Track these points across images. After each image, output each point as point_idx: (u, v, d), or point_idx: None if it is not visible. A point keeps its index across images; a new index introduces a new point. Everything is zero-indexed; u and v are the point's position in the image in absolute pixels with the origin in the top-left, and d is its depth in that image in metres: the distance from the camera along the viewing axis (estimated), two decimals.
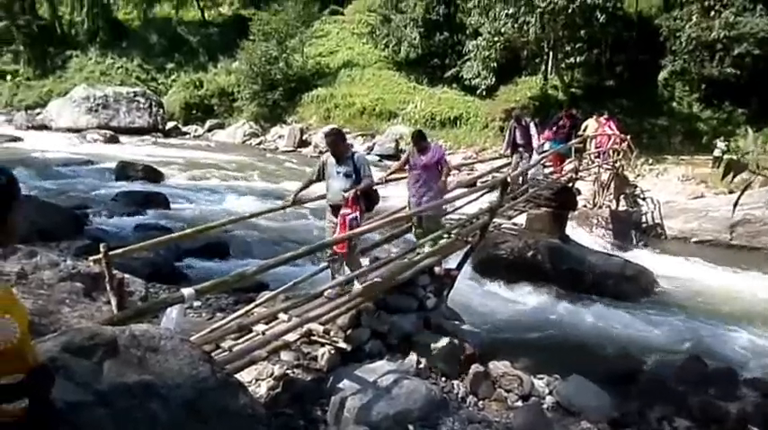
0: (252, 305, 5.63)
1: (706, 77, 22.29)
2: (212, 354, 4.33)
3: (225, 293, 7.51)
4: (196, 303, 6.87)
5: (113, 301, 3.56)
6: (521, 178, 9.77)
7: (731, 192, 16.10)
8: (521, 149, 10.20)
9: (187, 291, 3.40)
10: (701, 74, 22.28)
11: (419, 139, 6.82)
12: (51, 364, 2.08)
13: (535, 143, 10.07)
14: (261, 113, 30.68)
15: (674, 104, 23.50)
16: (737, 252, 13.60)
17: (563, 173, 12.00)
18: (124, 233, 10.35)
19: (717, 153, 18.57)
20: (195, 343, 3.46)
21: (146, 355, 2.58)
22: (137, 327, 2.75)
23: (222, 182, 17.50)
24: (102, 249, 3.68)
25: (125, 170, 16.40)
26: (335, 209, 5.67)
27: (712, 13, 21.15)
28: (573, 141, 12.13)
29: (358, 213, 5.49)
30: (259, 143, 28.72)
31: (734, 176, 1.45)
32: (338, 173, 5.67)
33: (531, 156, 10.02)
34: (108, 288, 3.64)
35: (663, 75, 23.27)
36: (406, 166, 6.96)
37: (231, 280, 3.89)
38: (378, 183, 7.70)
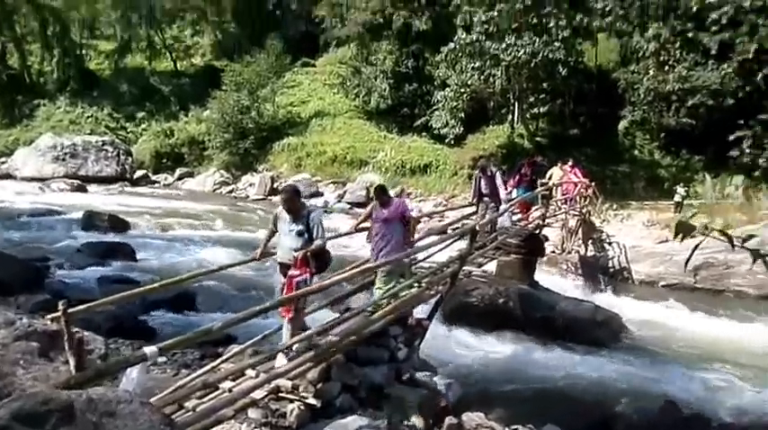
0: (218, 361, 5.45)
1: (664, 127, 23.30)
2: (176, 415, 4.17)
3: (191, 348, 7.27)
4: (160, 359, 6.63)
5: (72, 362, 3.41)
6: (489, 226, 9.84)
7: (693, 236, 16.59)
8: (486, 199, 10.21)
9: (149, 350, 3.28)
10: (660, 123, 23.30)
11: (380, 193, 6.79)
12: None
13: (502, 193, 10.13)
14: (232, 162, 30.71)
15: (636, 152, 24.41)
16: (703, 295, 13.87)
17: (530, 219, 12.21)
18: (87, 286, 10.03)
19: (677, 198, 19.28)
20: (157, 404, 3.32)
21: (102, 421, 2.46)
22: (94, 391, 2.63)
23: (191, 231, 17.25)
24: (60, 306, 3.55)
25: (91, 220, 16.07)
26: (285, 267, 5.48)
27: (667, 67, 22.33)
28: (539, 189, 12.41)
29: (307, 275, 5.27)
30: (230, 191, 28.60)
31: (683, 238, 1.49)
32: (290, 230, 5.50)
33: (497, 206, 10.05)
34: (66, 347, 3.49)
35: (623, 124, 24.24)
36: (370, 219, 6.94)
37: (196, 336, 3.78)
38: (347, 233, 7.65)
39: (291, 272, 5.27)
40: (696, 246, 1.88)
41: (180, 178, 31.36)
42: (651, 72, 22.71)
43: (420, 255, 7.51)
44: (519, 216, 12.20)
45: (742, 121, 21.10)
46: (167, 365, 6.84)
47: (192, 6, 39.50)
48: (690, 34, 22.40)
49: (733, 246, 1.51)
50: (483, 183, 10.20)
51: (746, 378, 8.65)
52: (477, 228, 7.58)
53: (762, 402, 7.64)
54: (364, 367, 5.93)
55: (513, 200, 10.99)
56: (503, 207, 10.08)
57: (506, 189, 10.50)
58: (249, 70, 31.74)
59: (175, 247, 14.63)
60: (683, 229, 1.49)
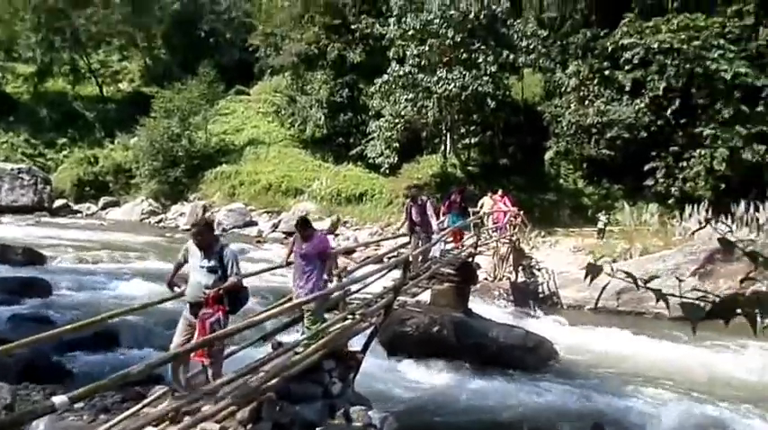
0: (140, 405, 5.15)
1: (586, 157, 24.62)
2: None
3: (111, 390, 6.82)
4: (77, 404, 6.17)
5: None
6: (422, 256, 9.93)
7: (614, 261, 17.49)
8: (417, 229, 10.19)
9: (58, 400, 3.04)
10: (582, 154, 24.60)
11: (302, 227, 6.54)
12: None
13: (434, 223, 10.21)
14: (161, 190, 29.66)
15: (561, 181, 25.60)
16: (625, 317, 14.54)
17: (463, 247, 12.46)
18: None
19: (600, 225, 20.31)
20: None
21: None
22: None
23: (116, 264, 16.39)
24: None
25: (3, 253, 14.97)
26: (194, 307, 5.10)
27: (586, 102, 23.73)
28: (471, 218, 12.72)
29: (221, 314, 4.91)
30: (159, 221, 27.55)
31: (591, 280, 1.56)
32: (202, 266, 5.14)
33: (429, 236, 10.09)
34: None
35: (549, 155, 25.43)
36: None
37: (111, 383, 3.54)
38: (278, 266, 7.42)
39: (203, 311, 4.91)
40: (604, 287, 1.97)
41: (104, 208, 29.93)
42: (573, 106, 24.04)
43: (354, 287, 7.45)
44: (452, 245, 12.42)
45: (655, 153, 22.65)
46: (84, 411, 6.36)
47: (119, 31, 38.29)
48: (606, 72, 23.98)
49: (638, 286, 1.59)
50: (414, 212, 10.19)
51: (665, 397, 9.08)
52: (411, 258, 7.63)
53: (674, 420, 8.01)
54: (297, 404, 5.76)
55: (445, 229, 11.16)
56: (435, 237, 10.14)
57: (438, 218, 10.66)
58: (180, 97, 31.01)
59: (97, 282, 13.81)
60: (592, 271, 1.57)
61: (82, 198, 30.77)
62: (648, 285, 1.58)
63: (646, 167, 22.73)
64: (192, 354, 4.78)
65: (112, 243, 19.67)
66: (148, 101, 32.13)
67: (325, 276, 6.50)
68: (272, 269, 7.92)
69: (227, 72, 35.21)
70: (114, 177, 31.58)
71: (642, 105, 22.81)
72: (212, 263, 5.11)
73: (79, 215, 28.81)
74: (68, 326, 4.67)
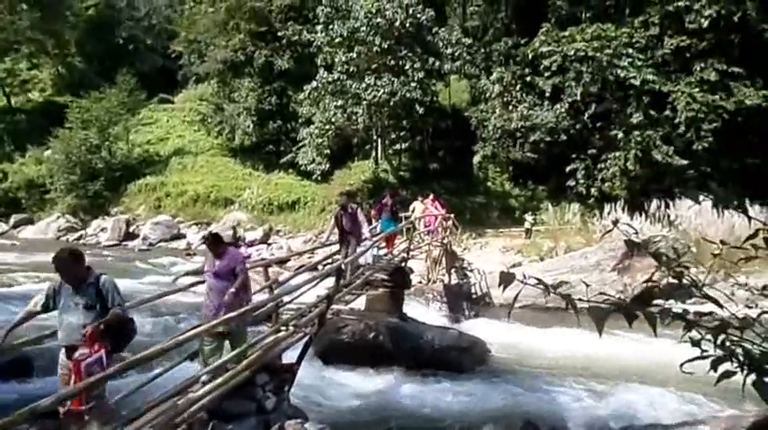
0: None
1: (512, 160, 25.56)
2: None
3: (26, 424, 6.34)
4: None
5: None
6: (353, 264, 9.87)
7: (542, 259, 18.19)
8: (348, 237, 10.04)
9: None
10: (508, 157, 25.53)
11: (213, 243, 6.18)
12: None
13: (365, 230, 10.22)
14: (80, 205, 28.07)
15: (489, 184, 26.43)
16: (554, 313, 15.10)
17: (395, 252, 12.58)
18: None
19: (527, 225, 21.09)
20: None
21: None
22: None
23: (30, 286, 15.31)
24: None
25: None
26: (71, 351, 4.38)
27: (510, 107, 24.65)
28: (403, 223, 12.83)
29: (103, 353, 4.24)
30: (78, 238, 26.04)
31: (505, 287, 1.60)
32: (76, 304, 4.42)
33: (359, 243, 10.04)
34: None
35: (477, 158, 26.20)
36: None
37: (19, 418, 3.29)
38: (184, 288, 6.94)
39: (79, 352, 4.24)
40: (517, 295, 2.05)
41: (15, 226, 27.95)
42: (497, 111, 24.91)
43: (286, 298, 7.33)
44: (384, 250, 12.47)
45: (575, 155, 23.84)
46: None
47: (28, 38, 35.90)
48: (528, 78, 25.06)
49: (548, 292, 1.65)
50: (345, 220, 10.07)
51: (596, 387, 9.48)
52: (343, 266, 7.60)
53: (605, 410, 8.40)
54: (229, 423, 5.58)
55: (377, 235, 11.22)
56: (366, 243, 10.16)
57: (370, 224, 10.67)
58: (98, 106, 29.55)
59: (11, 305, 12.83)
60: (505, 279, 1.61)
61: None
62: (559, 290, 1.63)
63: (567, 169, 23.91)
64: (69, 403, 4.11)
65: (27, 264, 18.38)
66: (62, 111, 30.39)
67: (232, 290, 5.91)
68: (176, 292, 7.24)
69: (148, 80, 33.91)
70: (26, 193, 29.57)
71: (562, 110, 23.97)
72: (87, 298, 4.42)
73: None
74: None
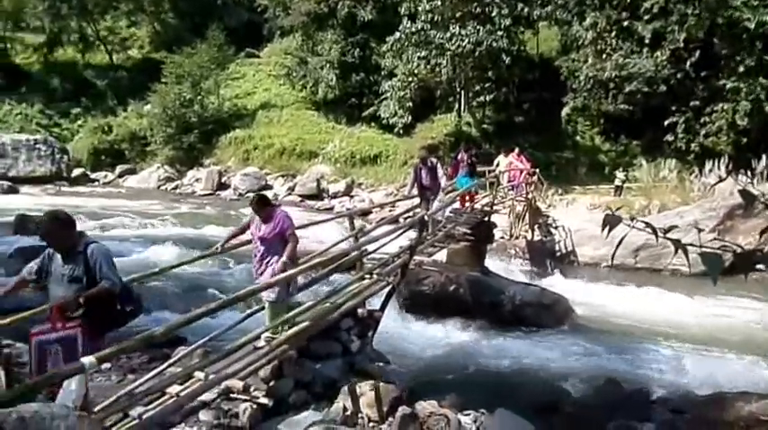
0: (165, 364, 5.28)
1: (604, 113, 24.11)
2: (120, 425, 4.02)
3: (137, 351, 7.02)
4: (105, 365, 6.37)
5: (1, 377, 3.22)
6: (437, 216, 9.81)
7: (633, 218, 17.30)
8: (427, 193, 9.78)
9: (87, 361, 3.13)
10: (600, 110, 24.08)
11: (259, 206, 5.65)
12: None
13: (443, 183, 9.88)
14: (176, 157, 29.80)
15: (578, 138, 25.20)
16: (642, 274, 14.51)
17: (472, 209, 12.14)
18: (23, 294, 9.49)
19: (617, 182, 20.03)
20: (98, 416, 3.19)
21: None
22: (25, 408, 2.49)
23: (135, 230, 16.66)
24: None
25: (24, 223, 15.19)
26: None
27: (604, 55, 23.05)
28: (488, 176, 12.59)
29: (76, 333, 3.63)
30: (175, 187, 27.79)
31: (609, 230, 1.53)
32: (62, 275, 3.90)
33: (436, 198, 9.69)
34: None
35: (566, 111, 24.94)
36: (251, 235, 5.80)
37: (136, 343, 3.64)
38: (213, 253, 6.34)
39: (38, 328, 3.66)
40: (623, 238, 1.94)
41: (121, 175, 30.22)
42: (590, 60, 23.40)
43: (370, 247, 7.50)
44: (458, 204, 12.09)
45: (674, 107, 22.08)
46: (112, 371, 6.58)
47: None
48: (625, 23, 23.18)
49: (657, 236, 1.56)
50: (424, 174, 9.81)
51: (682, 352, 9.11)
52: (426, 217, 7.62)
53: (695, 375, 8.06)
54: (317, 362, 5.90)
55: (452, 192, 10.91)
56: (442, 197, 9.82)
57: (446, 181, 10.33)
58: (191, 62, 30.77)
59: (119, 248, 14.01)
60: (610, 221, 1.53)
61: (99, 166, 31.06)
62: (668, 235, 1.54)
63: (665, 122, 22.21)
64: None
65: (131, 210, 19.92)
66: (159, 67, 31.93)
67: (284, 258, 5.48)
68: (206, 256, 6.85)
69: (236, 35, 34.73)
70: (130, 145, 31.74)
71: (662, 58, 22.10)
72: (73, 269, 3.90)
73: (97, 184, 29.15)
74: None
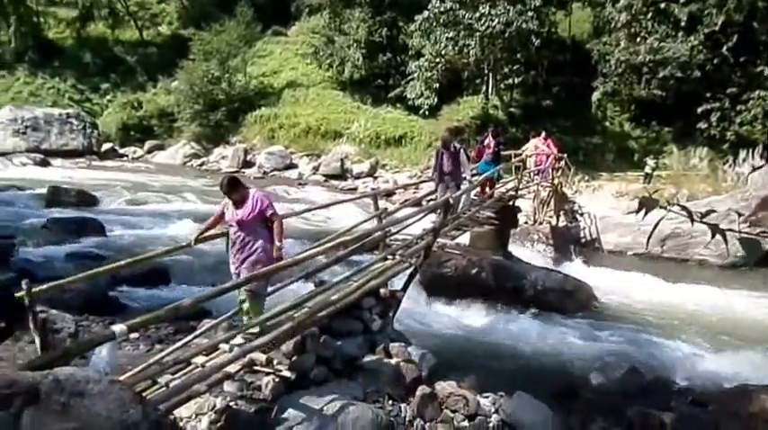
0: (191, 336, 5.44)
1: (635, 98, 23.54)
2: (149, 391, 4.15)
3: (164, 323, 7.22)
4: (133, 335, 6.57)
5: (37, 342, 3.34)
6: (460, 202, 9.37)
7: (662, 207, 17.00)
8: (446, 178, 9.29)
9: (118, 328, 3.24)
10: (631, 95, 23.52)
11: (230, 188, 5.17)
12: None
13: (467, 172, 9.32)
14: (203, 134, 30.09)
15: (607, 124, 24.69)
16: (668, 264, 14.30)
17: (490, 196, 11.35)
18: (54, 263, 9.81)
19: (647, 170, 19.63)
20: (128, 382, 3.30)
21: (70, 402, 2.43)
22: (61, 371, 2.59)
23: (162, 205, 16.94)
24: (24, 285, 3.46)
25: (56, 195, 15.62)
26: None
27: (638, 39, 22.42)
28: (514, 160, 12.42)
29: None
30: (201, 164, 28.11)
31: (646, 213, 1.51)
32: None
33: (458, 185, 9.18)
34: (32, 327, 3.42)
35: (596, 95, 24.41)
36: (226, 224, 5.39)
37: (165, 314, 3.74)
38: (183, 246, 5.82)
39: None
40: (659, 221, 1.91)
41: (149, 151, 30.65)
42: (623, 43, 22.80)
43: (394, 228, 7.51)
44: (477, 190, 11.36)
45: (709, 94, 21.42)
46: (140, 341, 6.79)
47: None
48: (661, 5, 22.47)
49: (692, 220, 1.53)
50: (445, 159, 9.30)
51: (705, 343, 9.01)
52: (452, 200, 7.59)
53: (719, 367, 7.95)
54: (339, 339, 5.98)
55: (474, 180, 10.04)
56: (465, 186, 9.21)
57: (469, 168, 9.60)
58: (219, 39, 30.87)
59: (146, 222, 14.36)
60: (647, 204, 1.50)
61: (127, 142, 31.55)
62: (705, 220, 1.51)
63: (699, 109, 21.58)
64: None
65: (159, 185, 20.26)
66: (187, 43, 32.12)
67: (277, 243, 5.18)
68: (174, 251, 6.17)
69: (263, 12, 34.67)
70: (158, 121, 32.12)
71: (697, 42, 21.43)
72: None
73: (125, 158, 29.66)
74: (123, 262, 4.90)
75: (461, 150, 9.45)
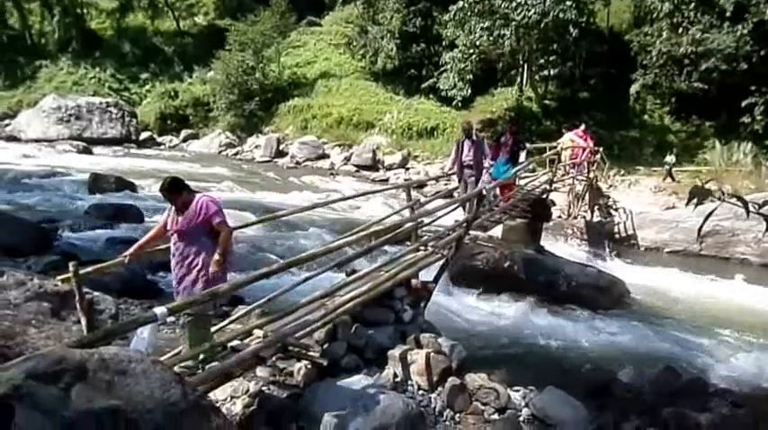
0: (227, 321, 5.55)
1: (676, 91, 22.85)
2: (186, 373, 4.26)
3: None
4: (170, 319, 6.74)
5: (83, 322, 3.47)
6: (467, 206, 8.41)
7: (701, 202, 16.52)
8: (467, 171, 8.78)
9: (159, 310, 3.33)
10: (672, 87, 22.83)
11: (171, 190, 4.45)
12: (15, 393, 2.01)
13: (486, 164, 8.92)
14: (237, 123, 30.54)
15: (646, 117, 24.05)
16: (707, 262, 13.91)
17: (509, 201, 10.20)
18: (96, 247, 10.11)
19: (666, 167, 19.03)
20: (167, 363, 3.39)
21: (115, 379, 2.52)
22: (106, 350, 2.68)
23: (198, 193, 17.25)
24: (71, 268, 3.59)
25: (97, 182, 16.08)
26: None
27: (681, 29, 21.73)
28: (548, 153, 12.21)
29: None
30: (235, 154, 28.54)
31: (698, 203, 1.46)
32: None
33: (478, 178, 8.75)
34: (78, 308, 3.54)
35: (635, 88, 23.79)
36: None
37: (203, 297, 3.83)
38: (119, 262, 4.71)
39: None
40: (710, 213, 1.85)
41: (185, 140, 31.29)
42: (664, 34, 22.14)
43: (426, 219, 7.50)
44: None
45: (755, 87, 20.64)
46: (176, 325, 6.96)
47: None
48: None
49: (748, 211, 1.48)
50: (466, 148, 8.79)
51: (745, 344, 8.74)
52: (485, 191, 7.53)
53: (758, 368, 7.73)
54: (370, 328, 6.02)
55: (493, 181, 9.14)
56: (485, 184, 8.51)
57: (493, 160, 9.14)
58: (254, 29, 31.22)
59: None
60: (698, 194, 1.46)
61: (165, 131, 32.28)
62: (762, 210, 1.46)
63: (743, 103, 20.82)
64: None
65: (195, 174, 20.64)
66: (223, 34, 32.56)
67: (216, 256, 4.37)
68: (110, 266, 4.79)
69: (298, 2, 34.84)
70: (194, 110, 32.75)
71: (744, 32, 20.63)
72: None
73: (162, 147, 30.33)
74: (162, 246, 5.02)
75: (484, 140, 9.09)
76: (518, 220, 10.91)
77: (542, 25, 21.73)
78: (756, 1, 20.52)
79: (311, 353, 5.19)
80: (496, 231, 10.84)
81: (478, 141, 8.92)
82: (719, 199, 1.45)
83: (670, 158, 19.17)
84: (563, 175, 14.02)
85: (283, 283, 6.40)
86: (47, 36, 37.13)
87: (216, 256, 4.33)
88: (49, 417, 2.18)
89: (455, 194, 9.93)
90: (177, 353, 4.66)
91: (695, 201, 1.45)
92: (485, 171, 8.93)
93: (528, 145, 11.06)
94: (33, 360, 2.43)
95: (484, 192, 7.44)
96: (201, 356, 4.40)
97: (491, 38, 23.05)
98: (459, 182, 9.22)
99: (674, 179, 18.92)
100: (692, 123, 23.03)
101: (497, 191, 9.79)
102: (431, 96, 27.70)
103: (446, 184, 16.49)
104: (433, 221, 8.05)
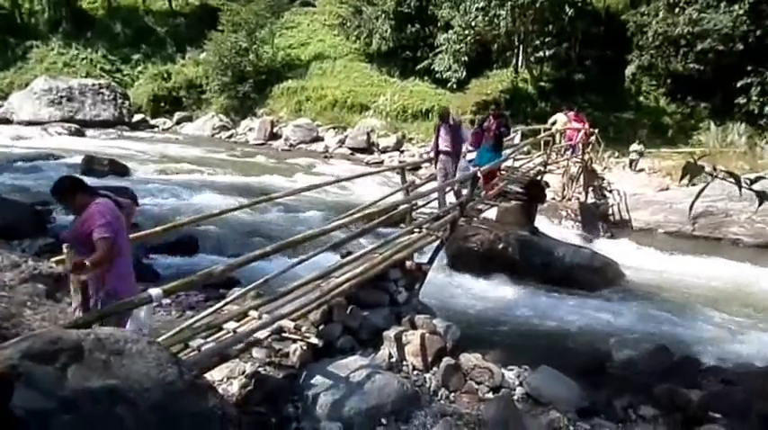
0: (222, 303, 5.55)
1: (672, 72, 22.80)
2: (182, 354, 4.28)
3: (195, 290, 7.40)
4: (165, 301, 6.75)
5: (77, 303, 3.46)
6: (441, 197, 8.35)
7: (694, 183, 16.59)
8: (443, 157, 8.40)
9: (154, 292, 3.34)
10: (667, 69, 22.78)
11: (63, 194, 3.86)
12: (12, 372, 2.02)
13: (464, 149, 8.55)
14: (231, 106, 30.28)
15: (641, 98, 24.03)
16: (700, 243, 14.01)
17: (492, 190, 9.77)
18: None
19: (632, 156, 18.89)
20: (163, 344, 3.41)
21: (111, 359, 2.53)
22: (102, 330, 2.69)
23: (191, 176, 17.18)
24: (65, 250, 3.58)
25: (91, 164, 15.97)
26: None
27: (677, 9, 21.60)
28: (542, 135, 12.20)
29: None
30: (229, 136, 28.36)
31: (690, 179, 1.47)
32: None
33: (456, 164, 8.41)
34: (71, 290, 3.54)
35: (630, 69, 23.72)
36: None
37: (199, 278, 3.84)
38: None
39: None
40: (701, 190, 1.87)
41: (178, 122, 31.03)
42: (661, 14, 22.02)
43: (420, 201, 7.51)
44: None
45: (751, 68, 20.61)
46: (172, 307, 6.98)
47: None
48: None
49: (740, 187, 1.49)
50: (443, 133, 8.43)
51: (738, 324, 8.84)
52: (479, 173, 7.53)
53: (749, 347, 7.83)
54: (365, 310, 6.05)
55: (470, 161, 8.93)
56: (463, 165, 8.38)
57: (476, 148, 8.83)
58: (247, 9, 30.81)
59: (176, 192, 14.59)
60: (692, 170, 1.46)
61: (158, 113, 31.96)
62: (754, 187, 1.47)
63: (738, 83, 20.81)
64: None
65: (188, 156, 20.53)
66: (216, 14, 32.11)
67: (86, 261, 3.45)
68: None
69: None
70: (187, 92, 32.40)
71: (740, 12, 20.53)
72: None
73: (156, 129, 30.08)
74: (158, 229, 5.02)
75: (461, 124, 8.71)
76: (513, 202, 10.93)
77: (538, 5, 21.59)
78: None
79: (306, 334, 5.22)
80: (491, 213, 10.86)
81: (455, 126, 8.52)
82: (712, 175, 1.45)
83: (638, 147, 18.92)
84: (558, 157, 14.02)
85: (278, 265, 6.41)
86: (36, 15, 36.49)
87: (86, 261, 3.42)
88: (45, 396, 2.20)
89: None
90: (174, 334, 4.67)
91: (688, 176, 1.45)
92: (462, 157, 8.56)
93: (523, 127, 10.98)
94: (29, 340, 2.43)
95: (478, 174, 7.43)
96: None
97: (486, 18, 22.89)
98: (435, 166, 8.79)
99: (633, 169, 18.66)
100: (687, 105, 23.04)
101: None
102: (426, 78, 27.53)
103: None
104: (428, 203, 8.06)
